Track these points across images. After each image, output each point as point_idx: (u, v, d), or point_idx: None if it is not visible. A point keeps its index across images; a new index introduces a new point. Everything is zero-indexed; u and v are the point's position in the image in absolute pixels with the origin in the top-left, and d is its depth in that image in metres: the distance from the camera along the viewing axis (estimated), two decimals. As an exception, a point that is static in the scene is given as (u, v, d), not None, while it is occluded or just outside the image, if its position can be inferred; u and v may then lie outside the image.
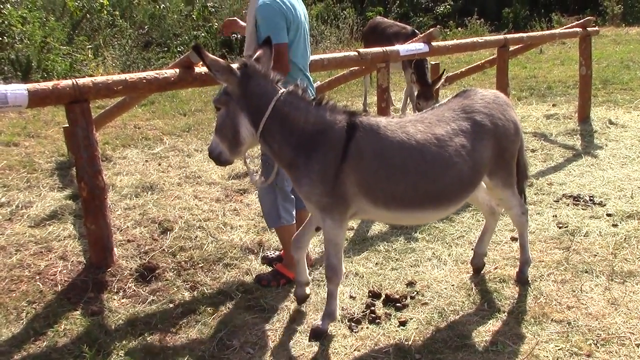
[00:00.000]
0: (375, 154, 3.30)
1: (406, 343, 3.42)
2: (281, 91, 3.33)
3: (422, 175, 3.36)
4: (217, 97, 3.38)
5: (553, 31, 9.77)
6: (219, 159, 3.45)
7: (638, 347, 3.33)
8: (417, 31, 8.33)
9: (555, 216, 5.16)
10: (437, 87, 7.32)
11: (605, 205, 5.35)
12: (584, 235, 4.73)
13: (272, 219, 4.07)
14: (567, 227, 4.91)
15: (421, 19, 20.44)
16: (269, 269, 4.32)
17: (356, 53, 5.60)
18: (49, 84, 3.83)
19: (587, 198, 5.52)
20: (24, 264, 4.24)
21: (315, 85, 7.13)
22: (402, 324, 3.63)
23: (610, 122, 8.12)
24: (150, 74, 4.27)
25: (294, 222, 4.12)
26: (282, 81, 3.44)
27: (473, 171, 3.49)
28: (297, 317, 3.73)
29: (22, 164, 6.26)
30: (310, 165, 3.29)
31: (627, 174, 6.18)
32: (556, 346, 3.36)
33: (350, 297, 3.94)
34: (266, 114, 3.28)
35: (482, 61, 9.15)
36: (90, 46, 12.14)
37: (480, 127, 3.53)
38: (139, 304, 3.88)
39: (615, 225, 4.90)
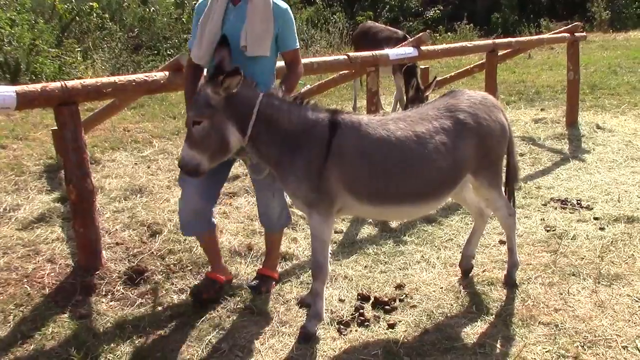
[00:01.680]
0: (356, 151, 3.38)
1: (395, 345, 3.43)
2: (261, 95, 3.37)
3: (401, 171, 3.44)
4: (197, 111, 3.27)
5: (541, 36, 9.86)
6: (196, 171, 3.37)
7: (624, 349, 3.37)
8: (407, 36, 8.37)
9: (543, 219, 5.20)
10: (428, 93, 7.33)
11: (592, 208, 5.40)
12: (572, 239, 4.77)
13: (283, 219, 4.05)
14: (554, 230, 4.94)
15: (411, 23, 20.55)
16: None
17: (346, 57, 5.62)
18: (37, 86, 3.82)
19: (575, 202, 5.56)
20: (11, 266, 4.21)
21: (305, 88, 7.16)
22: (391, 326, 3.64)
23: (598, 127, 8.19)
24: (139, 76, 4.27)
25: None
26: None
27: (453, 168, 3.55)
28: (286, 321, 3.73)
29: (10, 166, 6.22)
30: (295, 163, 3.36)
31: (614, 177, 6.24)
32: (543, 348, 3.38)
33: (339, 300, 3.95)
34: (252, 119, 3.31)
35: (471, 66, 9.21)
36: (79, 49, 12.09)
37: (463, 125, 3.57)
38: (128, 307, 3.87)
39: (602, 229, 4.94)
